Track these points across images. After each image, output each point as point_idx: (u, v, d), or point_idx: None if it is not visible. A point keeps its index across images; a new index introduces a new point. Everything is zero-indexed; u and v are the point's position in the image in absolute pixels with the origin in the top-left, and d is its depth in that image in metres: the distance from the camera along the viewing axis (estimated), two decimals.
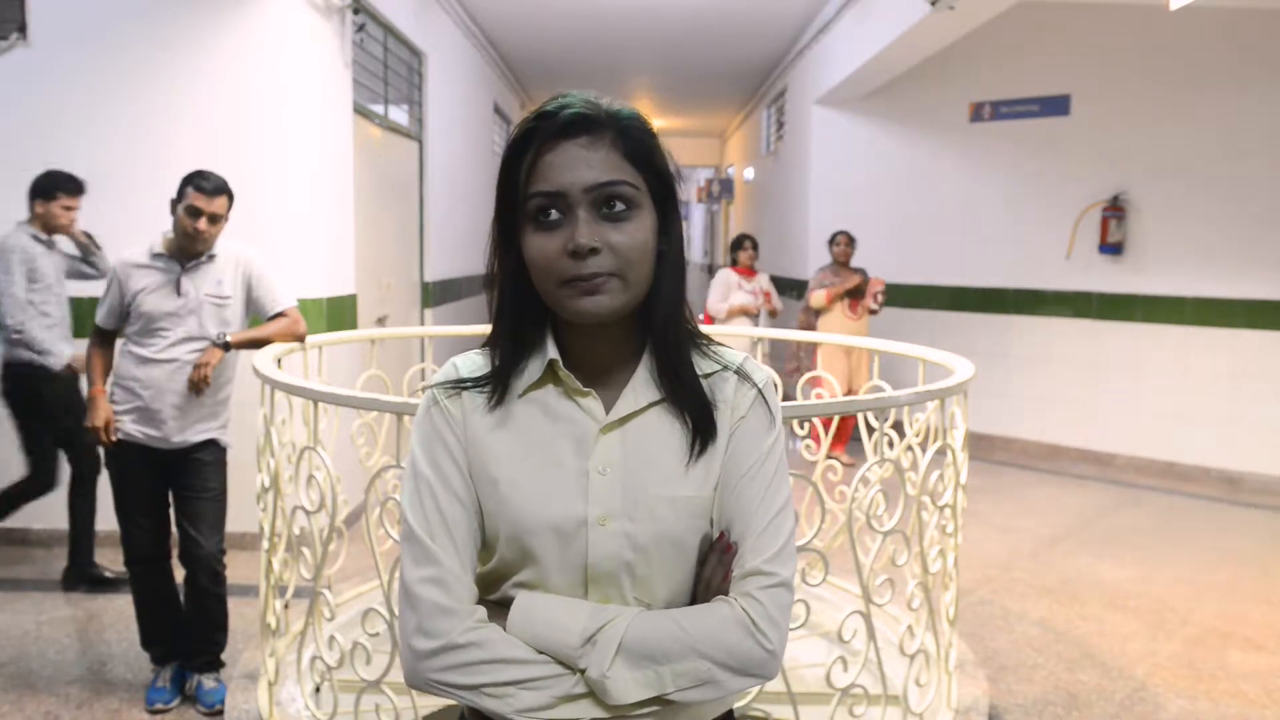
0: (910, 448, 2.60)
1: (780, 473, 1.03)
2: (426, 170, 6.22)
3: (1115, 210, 6.10)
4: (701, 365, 1.04)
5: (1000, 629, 3.60)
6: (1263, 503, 5.41)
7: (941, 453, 2.52)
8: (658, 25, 7.35)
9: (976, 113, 6.70)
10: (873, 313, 5.95)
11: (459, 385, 1.03)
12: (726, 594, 0.98)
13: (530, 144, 0.96)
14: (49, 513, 4.26)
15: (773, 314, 6.05)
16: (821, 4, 6.86)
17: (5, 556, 4.16)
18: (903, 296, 7.15)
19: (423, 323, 6.25)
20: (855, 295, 5.90)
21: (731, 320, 5.96)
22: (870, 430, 2.54)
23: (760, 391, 1.04)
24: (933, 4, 4.73)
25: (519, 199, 0.96)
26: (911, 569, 2.53)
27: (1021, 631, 3.58)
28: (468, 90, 7.53)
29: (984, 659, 3.28)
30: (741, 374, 1.04)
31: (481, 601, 1.00)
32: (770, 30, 7.61)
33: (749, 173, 11.73)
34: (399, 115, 5.87)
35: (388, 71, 5.50)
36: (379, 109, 5.37)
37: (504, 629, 0.97)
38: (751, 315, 5.97)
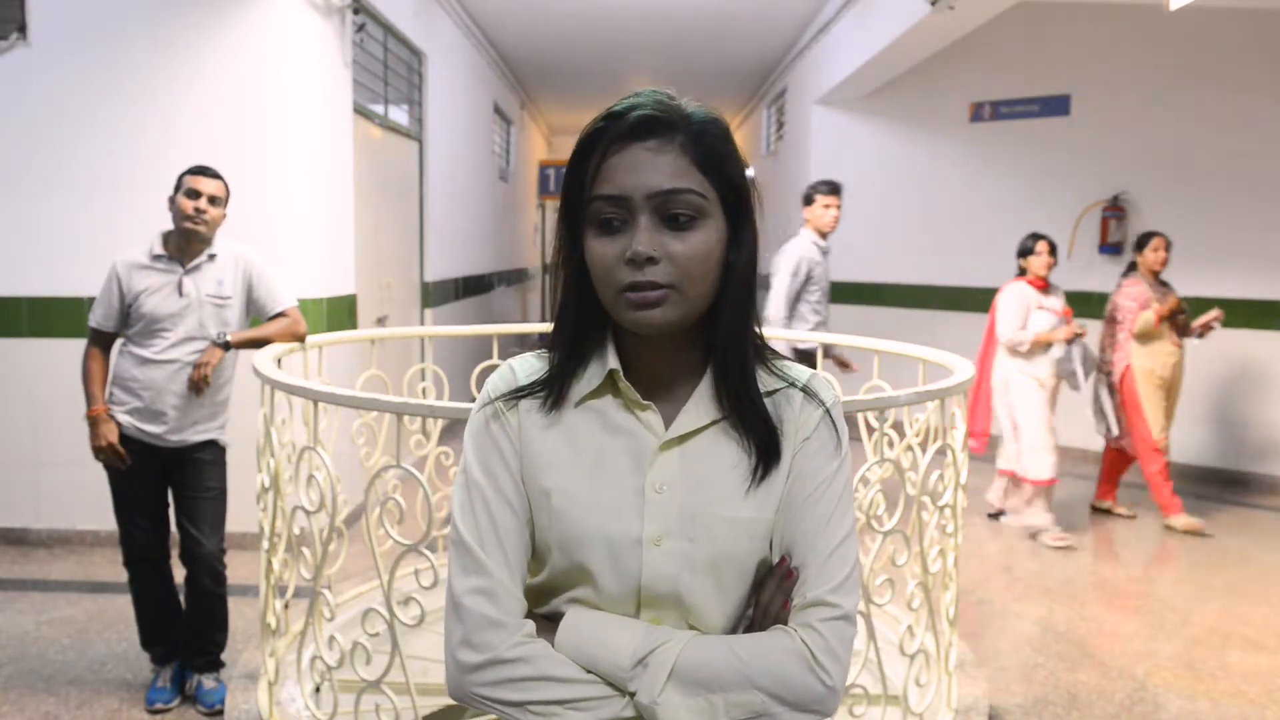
0: (910, 448, 2.60)
1: (845, 498, 0.98)
2: (426, 170, 6.22)
3: (1115, 210, 6.10)
4: (765, 381, 0.99)
5: (1000, 629, 3.60)
6: (1263, 503, 5.41)
7: (941, 453, 2.52)
8: (658, 25, 7.35)
9: (976, 113, 6.70)
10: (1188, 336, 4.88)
11: (516, 394, 0.99)
12: (785, 622, 0.95)
13: (597, 144, 0.92)
14: (49, 513, 4.27)
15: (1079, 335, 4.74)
16: (821, 4, 6.86)
17: (5, 556, 4.16)
18: (903, 296, 7.16)
19: (423, 323, 6.25)
20: (1177, 317, 4.81)
21: (1034, 352, 4.64)
22: (870, 430, 2.53)
23: (828, 411, 0.99)
24: (933, 4, 4.73)
25: (584, 201, 0.93)
26: (911, 569, 2.53)
27: (1021, 631, 3.58)
28: (468, 90, 7.53)
29: (984, 659, 3.28)
30: (808, 391, 1.00)
31: (530, 616, 0.97)
32: (770, 30, 7.61)
33: (749, 173, 11.72)
34: (399, 115, 5.87)
35: (388, 71, 5.50)
36: (379, 109, 5.37)
37: (552, 645, 0.94)
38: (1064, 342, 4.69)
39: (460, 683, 0.93)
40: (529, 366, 1.02)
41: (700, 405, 0.97)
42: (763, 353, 1.01)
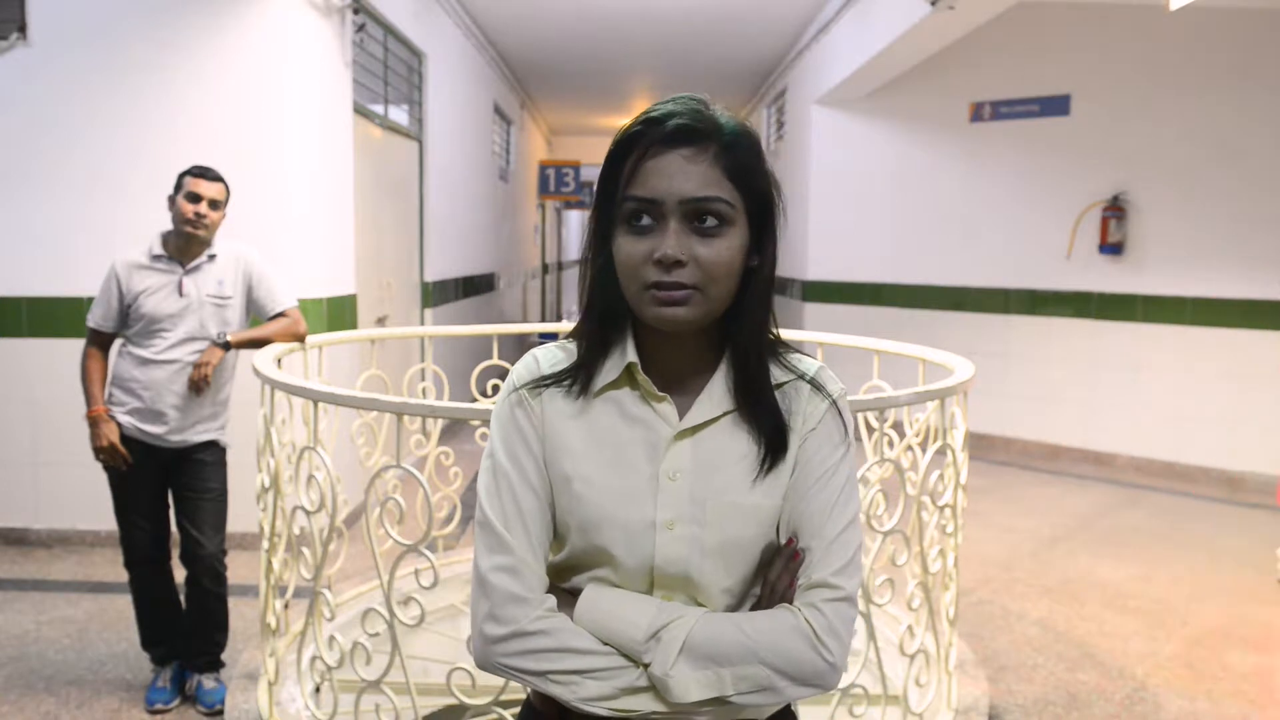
0: (910, 448, 2.61)
1: (850, 486, 1.04)
2: (426, 170, 6.23)
3: (1115, 210, 6.10)
4: (775, 374, 1.05)
5: (1000, 629, 3.60)
6: (1263, 503, 5.40)
7: (941, 453, 2.52)
8: (658, 25, 7.35)
9: (976, 113, 6.70)
10: None
11: (541, 382, 1.05)
12: (791, 601, 1.00)
13: (634, 147, 0.98)
14: (49, 513, 4.28)
15: None
16: (821, 4, 6.86)
17: (5, 556, 4.16)
18: (903, 296, 7.16)
19: (423, 323, 6.25)
20: None
21: None
22: (870, 430, 2.54)
23: (834, 402, 1.05)
24: (933, 4, 4.73)
25: (616, 199, 0.99)
26: (911, 569, 2.53)
27: (1021, 631, 3.58)
28: (468, 90, 7.53)
29: (984, 659, 3.28)
30: (815, 384, 1.05)
31: (551, 589, 1.03)
32: (770, 30, 7.61)
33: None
34: (399, 115, 5.87)
35: (388, 71, 5.51)
36: (379, 109, 5.37)
37: (571, 618, 1.00)
38: None
39: (486, 653, 0.99)
40: (552, 357, 1.08)
41: (713, 398, 1.03)
42: (774, 347, 1.06)
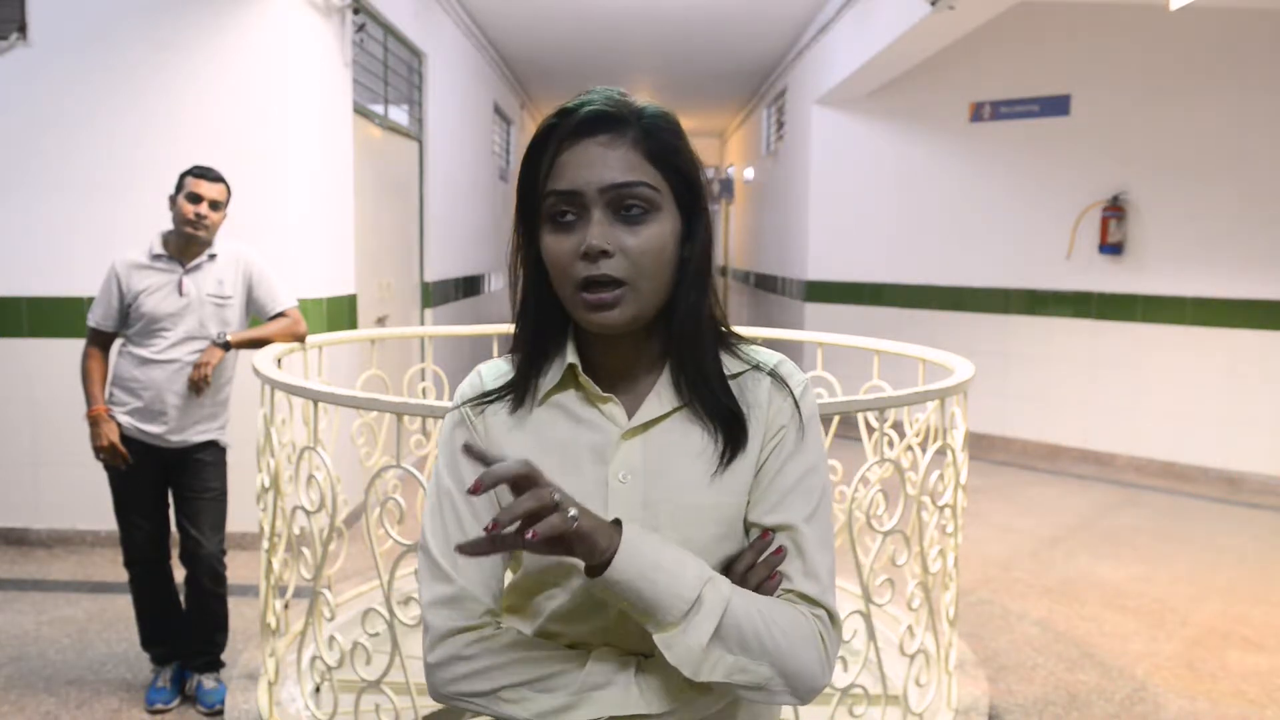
0: (910, 448, 2.61)
1: (826, 486, 0.99)
2: (426, 170, 6.23)
3: (1115, 210, 6.10)
4: (730, 365, 1.00)
5: (1000, 629, 3.60)
6: (1263, 503, 5.41)
7: (941, 453, 2.52)
8: (658, 25, 7.35)
9: (976, 113, 6.70)
10: None
11: (484, 398, 1.01)
12: (769, 594, 0.94)
13: (550, 141, 0.93)
14: (49, 513, 4.27)
15: None
16: (821, 4, 6.86)
17: (5, 556, 4.16)
18: (903, 296, 7.16)
19: (423, 323, 6.25)
20: None
21: None
22: (870, 430, 2.54)
23: (797, 401, 0.99)
24: (933, 4, 4.73)
25: (538, 197, 0.94)
26: (911, 569, 2.53)
27: (1021, 631, 3.58)
28: (468, 90, 7.53)
29: (984, 659, 3.28)
30: (775, 377, 1.00)
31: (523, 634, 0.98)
32: (770, 30, 7.61)
33: (749, 173, 11.74)
34: (399, 115, 5.87)
35: (388, 71, 5.51)
36: (379, 109, 5.37)
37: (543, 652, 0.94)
38: None
39: (433, 684, 0.95)
40: (496, 370, 1.03)
41: (661, 394, 0.98)
42: (726, 339, 1.02)
